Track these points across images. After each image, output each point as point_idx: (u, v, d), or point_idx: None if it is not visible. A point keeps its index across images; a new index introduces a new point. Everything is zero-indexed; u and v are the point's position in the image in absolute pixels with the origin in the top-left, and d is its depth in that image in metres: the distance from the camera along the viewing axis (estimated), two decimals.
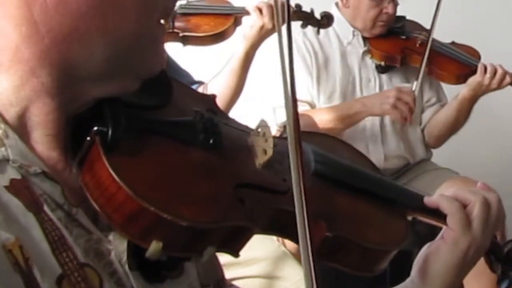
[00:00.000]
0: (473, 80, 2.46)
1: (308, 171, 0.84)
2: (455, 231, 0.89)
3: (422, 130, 2.68)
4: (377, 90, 2.58)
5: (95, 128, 0.66)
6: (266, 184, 0.77)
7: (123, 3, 0.65)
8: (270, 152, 0.78)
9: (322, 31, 2.46)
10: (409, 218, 0.94)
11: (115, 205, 0.64)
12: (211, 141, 0.74)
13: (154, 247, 0.64)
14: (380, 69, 2.61)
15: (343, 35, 2.60)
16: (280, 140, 0.82)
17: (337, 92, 2.53)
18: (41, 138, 0.66)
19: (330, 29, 2.50)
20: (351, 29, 2.59)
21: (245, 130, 0.84)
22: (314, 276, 0.66)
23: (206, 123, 0.75)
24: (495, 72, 2.42)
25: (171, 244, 0.65)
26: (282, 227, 0.78)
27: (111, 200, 0.64)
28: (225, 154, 0.76)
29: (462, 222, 0.89)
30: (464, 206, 0.90)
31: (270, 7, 2.12)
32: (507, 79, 2.44)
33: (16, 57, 0.64)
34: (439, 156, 2.75)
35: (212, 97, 0.87)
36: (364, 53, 2.60)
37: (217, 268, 0.83)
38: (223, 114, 0.85)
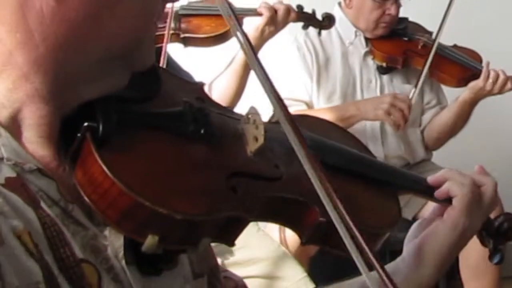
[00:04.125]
0: (475, 84, 2.46)
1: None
2: (458, 213, 0.91)
3: (422, 132, 2.68)
4: (378, 91, 2.58)
5: (86, 124, 0.65)
6: (258, 171, 0.77)
7: (121, 11, 0.64)
8: (261, 140, 0.77)
9: (324, 31, 2.47)
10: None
11: (109, 201, 0.64)
12: (201, 131, 0.73)
13: (150, 241, 0.64)
14: (382, 70, 2.61)
15: (345, 35, 2.60)
16: (271, 125, 0.82)
17: (337, 92, 2.53)
18: (34, 139, 0.65)
19: (332, 29, 2.50)
20: (354, 29, 2.59)
21: (235, 117, 0.83)
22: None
23: (196, 113, 0.74)
24: (497, 77, 2.43)
25: (166, 237, 0.65)
26: (276, 213, 0.78)
27: (105, 196, 0.64)
28: (216, 143, 0.75)
29: (467, 206, 0.90)
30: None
31: (272, 9, 2.13)
32: (509, 85, 2.44)
33: (9, 62, 0.63)
34: (439, 156, 2.75)
35: (200, 85, 0.86)
36: (366, 53, 2.60)
37: (210, 257, 0.83)
38: (212, 102, 0.84)
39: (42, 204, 0.62)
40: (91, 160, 0.65)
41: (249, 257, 1.81)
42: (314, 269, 2.03)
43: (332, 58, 2.57)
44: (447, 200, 0.93)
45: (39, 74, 0.63)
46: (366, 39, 2.61)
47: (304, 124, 0.89)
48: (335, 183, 0.84)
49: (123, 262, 0.66)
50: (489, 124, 3.19)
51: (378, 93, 2.58)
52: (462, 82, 2.54)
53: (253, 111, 0.81)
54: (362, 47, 2.61)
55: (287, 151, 0.79)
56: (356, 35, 2.60)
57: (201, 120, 0.74)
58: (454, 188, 0.92)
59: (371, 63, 2.61)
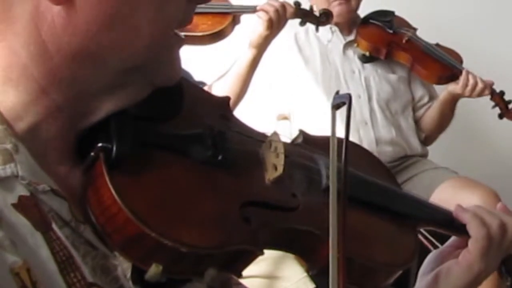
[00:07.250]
0: (453, 89, 2.55)
1: (319, 187, 0.81)
2: (473, 256, 0.89)
3: (416, 123, 2.71)
4: (363, 80, 2.60)
5: (99, 145, 0.64)
6: (275, 201, 0.75)
7: (136, 20, 0.63)
8: (280, 170, 0.75)
9: (302, 35, 2.50)
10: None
11: (115, 226, 0.63)
12: (219, 158, 0.72)
13: (153, 270, 0.63)
14: (364, 59, 2.62)
15: (323, 34, 2.60)
16: (293, 148, 0.80)
17: (320, 86, 2.54)
18: (50, 152, 0.65)
19: (310, 32, 2.51)
20: (328, 26, 2.59)
21: (257, 138, 0.81)
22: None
23: (215, 138, 0.73)
24: (475, 85, 2.50)
25: (171, 267, 0.64)
26: (288, 245, 0.77)
27: (112, 220, 0.63)
28: (233, 170, 0.73)
29: (483, 251, 0.89)
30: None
31: (268, 12, 2.12)
32: (486, 91, 2.53)
33: (25, 74, 0.62)
34: (438, 155, 2.75)
35: (227, 100, 0.83)
36: (345, 46, 2.62)
37: None
38: (236, 120, 0.82)
39: (54, 226, 0.61)
40: (101, 181, 0.64)
41: None
42: None
43: (311, 58, 2.58)
44: (468, 234, 0.90)
45: (55, 85, 0.63)
46: (344, 30, 2.63)
47: (327, 149, 0.89)
48: (350, 217, 0.78)
49: (130, 282, 0.65)
50: (488, 124, 3.21)
51: (363, 83, 2.60)
52: (442, 80, 2.61)
53: (275, 138, 0.79)
54: (340, 42, 2.63)
55: (306, 178, 0.78)
56: (332, 32, 2.62)
57: (220, 146, 0.72)
58: (472, 226, 0.89)
59: (351, 55, 2.62)
